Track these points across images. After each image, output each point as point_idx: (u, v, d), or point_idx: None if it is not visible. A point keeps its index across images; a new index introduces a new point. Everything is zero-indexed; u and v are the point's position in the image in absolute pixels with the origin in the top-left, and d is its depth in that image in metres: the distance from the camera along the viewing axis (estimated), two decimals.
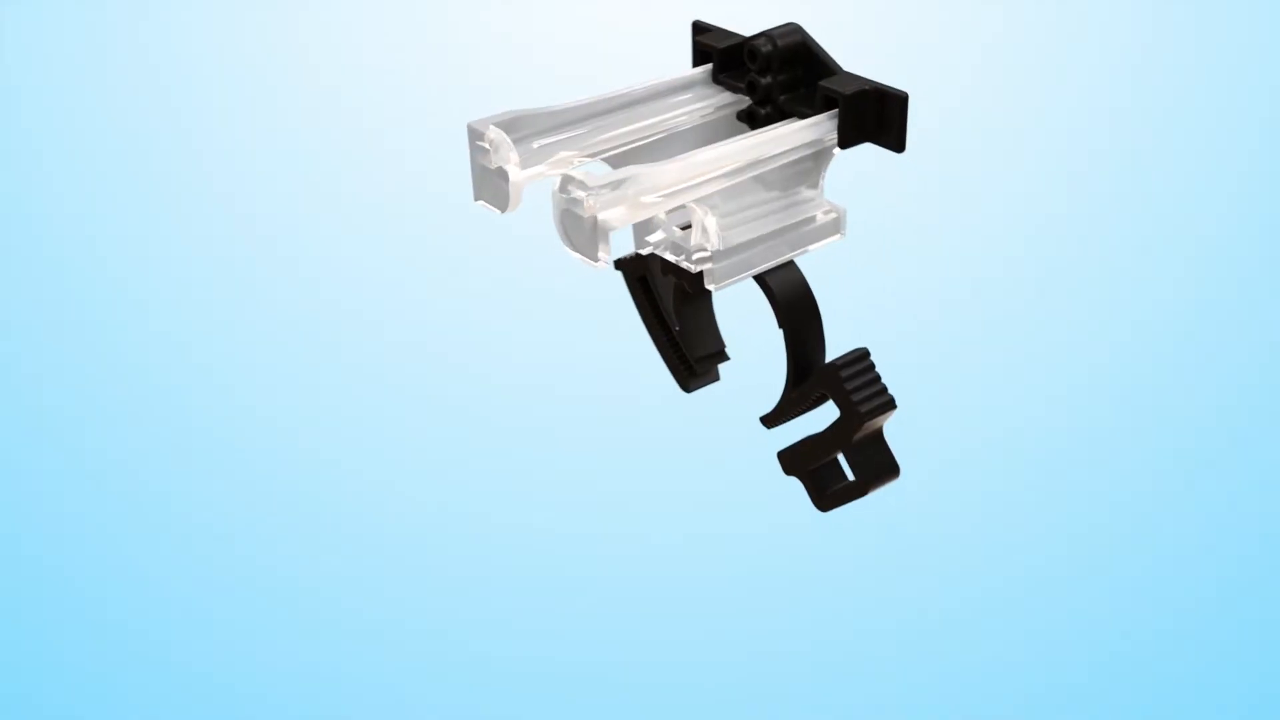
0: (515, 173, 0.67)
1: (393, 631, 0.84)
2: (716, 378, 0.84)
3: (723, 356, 0.81)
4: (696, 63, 0.76)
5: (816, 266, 0.72)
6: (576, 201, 0.64)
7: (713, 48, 0.74)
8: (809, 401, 0.73)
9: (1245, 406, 0.93)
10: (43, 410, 0.96)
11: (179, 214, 1.05)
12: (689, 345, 0.80)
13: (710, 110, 0.74)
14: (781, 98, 0.72)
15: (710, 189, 0.67)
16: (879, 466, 0.72)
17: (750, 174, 0.68)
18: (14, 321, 1.00)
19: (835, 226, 0.71)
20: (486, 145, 0.67)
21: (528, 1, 1.10)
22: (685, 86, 0.74)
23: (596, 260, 0.65)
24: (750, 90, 0.73)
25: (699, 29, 0.76)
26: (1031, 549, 0.86)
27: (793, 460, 0.75)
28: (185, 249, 1.03)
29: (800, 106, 0.72)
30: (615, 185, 0.64)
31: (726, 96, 0.74)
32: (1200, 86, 1.03)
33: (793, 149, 0.69)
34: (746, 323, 0.81)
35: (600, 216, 0.63)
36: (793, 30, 0.71)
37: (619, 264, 0.80)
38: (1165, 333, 0.95)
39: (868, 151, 0.72)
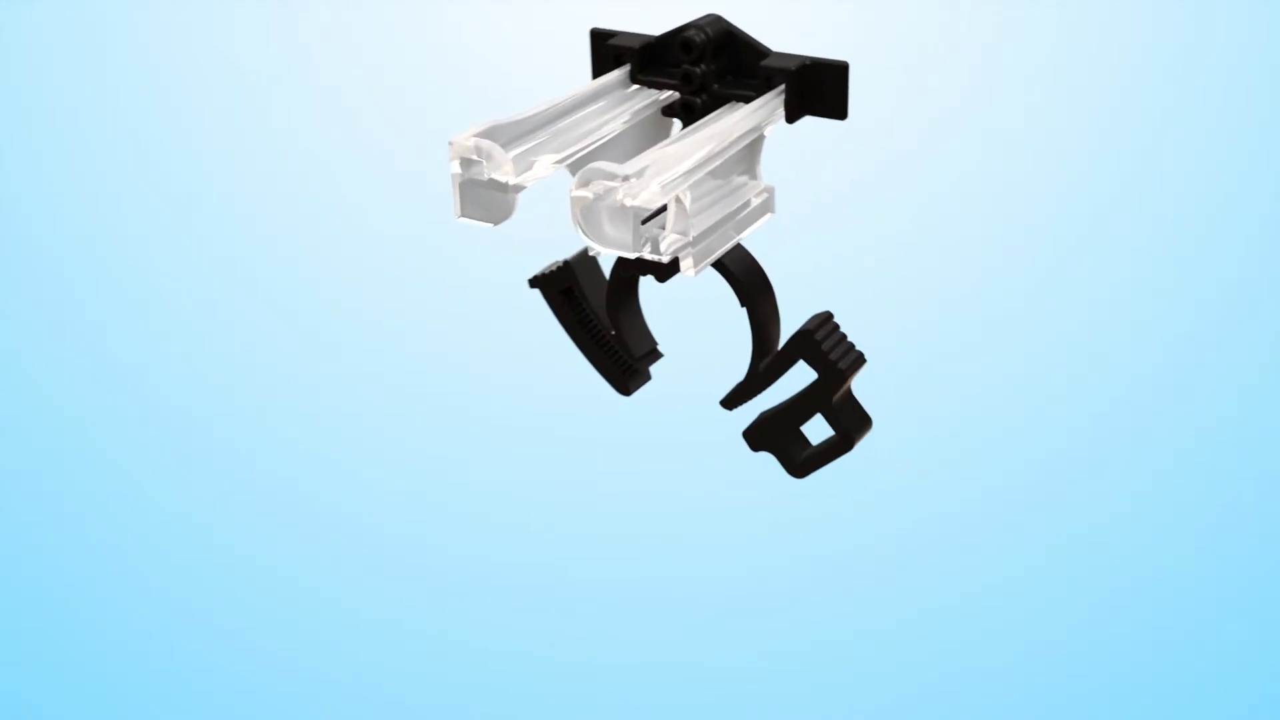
0: (514, 180, 0.67)
1: (392, 631, 0.84)
2: (649, 377, 0.84)
3: (657, 354, 0.82)
4: (601, 68, 0.76)
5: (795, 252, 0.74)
6: (607, 193, 0.64)
7: (629, 49, 0.75)
8: (776, 375, 0.74)
9: (1240, 403, 0.93)
10: (42, 410, 0.96)
11: (179, 214, 1.05)
12: (629, 346, 0.80)
13: (638, 111, 0.74)
14: (715, 85, 0.73)
15: (701, 173, 0.68)
16: (856, 420, 0.74)
17: (729, 155, 0.69)
18: (14, 321, 1.00)
19: (768, 205, 0.73)
20: (478, 158, 0.67)
21: (526, 1, 1.10)
22: (608, 90, 0.74)
23: (633, 251, 0.65)
24: (684, 82, 0.74)
25: (601, 35, 0.76)
26: (1028, 549, 0.86)
27: (763, 435, 0.76)
28: (185, 249, 1.03)
29: (736, 91, 0.73)
30: (640, 173, 0.64)
31: (649, 95, 0.75)
32: (1199, 86, 1.03)
33: (756, 127, 0.71)
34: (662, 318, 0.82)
35: (631, 204, 0.64)
36: (716, 19, 0.73)
37: (536, 282, 0.80)
38: (1161, 331, 0.95)
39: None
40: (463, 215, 0.69)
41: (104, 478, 0.92)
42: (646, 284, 0.76)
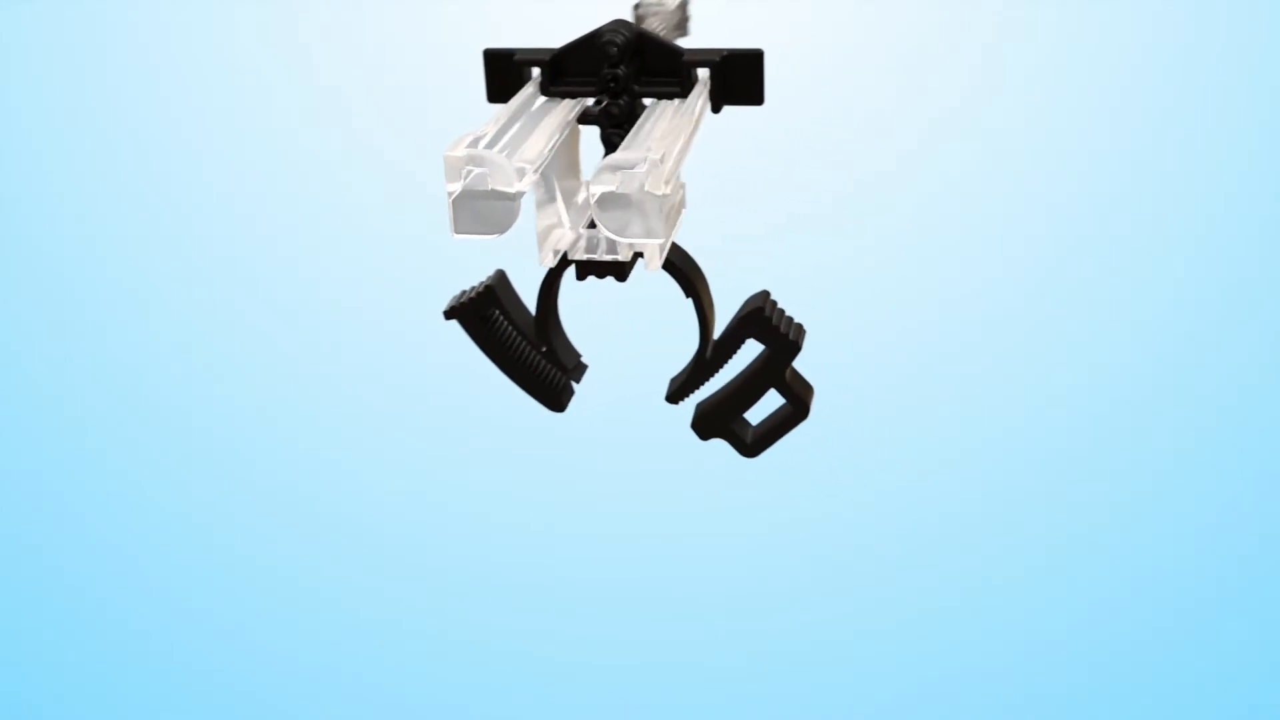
0: (518, 187, 0.67)
1: (392, 631, 0.84)
2: (573, 391, 0.83)
3: (584, 366, 0.81)
4: (500, 88, 0.77)
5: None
6: (630, 181, 0.64)
7: (539, 62, 0.75)
8: (723, 361, 0.75)
9: (1240, 403, 0.93)
10: (42, 410, 0.96)
11: (179, 214, 1.05)
12: (561, 360, 0.79)
13: (568, 121, 0.74)
14: (635, 88, 0.74)
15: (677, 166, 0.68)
16: (804, 388, 0.75)
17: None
18: (14, 321, 1.00)
19: (684, 200, 0.73)
20: (481, 169, 0.67)
21: (527, 2, 1.10)
22: (528, 104, 0.74)
23: (664, 237, 0.65)
24: (605, 86, 0.74)
25: (497, 56, 0.77)
26: (1028, 549, 0.86)
27: (711, 423, 0.77)
28: (186, 249, 1.03)
29: (655, 90, 0.74)
30: (658, 162, 0.65)
31: (569, 105, 0.75)
32: (1199, 87, 1.03)
33: (698, 120, 0.72)
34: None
35: (662, 193, 0.64)
36: (624, 22, 0.74)
37: (455, 313, 0.78)
38: (1161, 332, 0.95)
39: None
40: (458, 232, 0.68)
41: (104, 478, 0.92)
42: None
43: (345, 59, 1.08)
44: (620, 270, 0.72)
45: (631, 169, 0.64)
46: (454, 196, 0.67)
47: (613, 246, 0.70)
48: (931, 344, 0.92)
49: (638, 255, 0.71)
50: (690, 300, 0.74)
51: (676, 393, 0.76)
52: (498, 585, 0.85)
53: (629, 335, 0.81)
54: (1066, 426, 0.91)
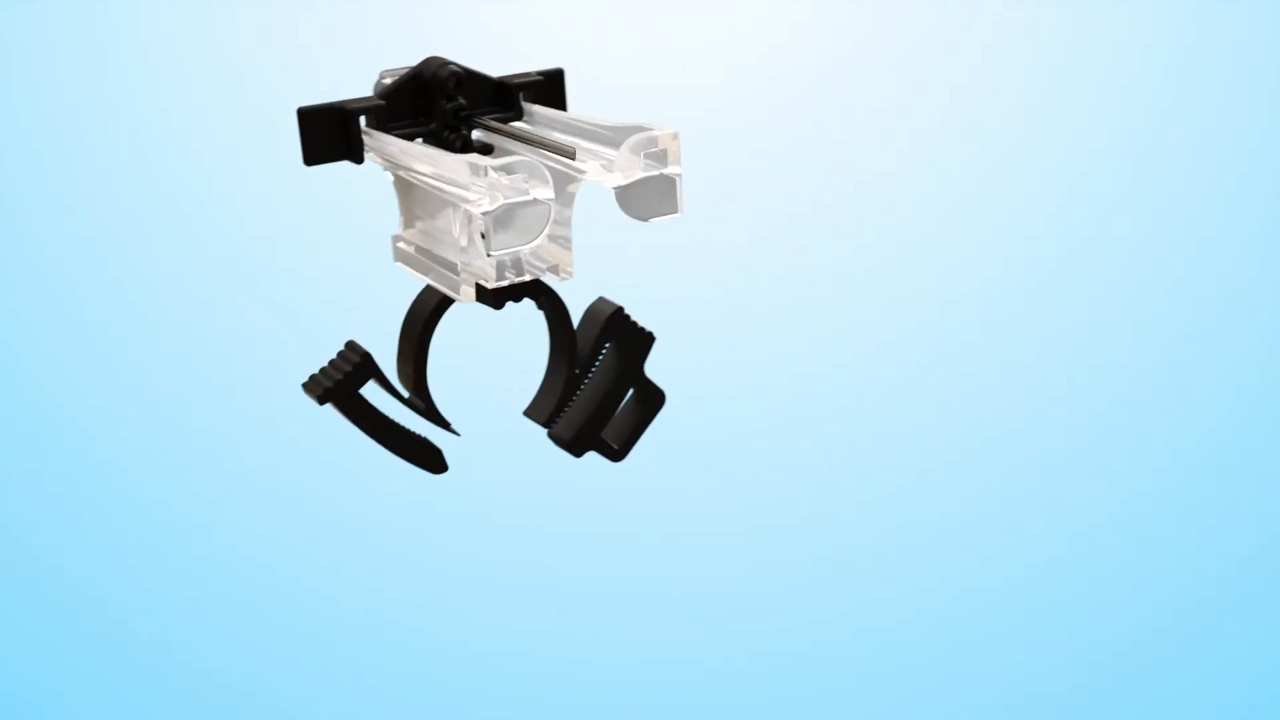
0: (550, 193, 0.67)
1: (392, 631, 0.84)
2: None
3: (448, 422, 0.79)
4: (320, 141, 0.77)
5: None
6: (659, 164, 0.66)
7: (369, 109, 0.75)
8: (588, 370, 0.75)
9: (1240, 404, 0.93)
10: (42, 410, 0.96)
11: (179, 214, 1.05)
12: (439, 414, 0.77)
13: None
14: (470, 118, 0.75)
15: None
16: (647, 379, 0.76)
17: None
18: (14, 321, 1.00)
19: None
20: (516, 174, 0.67)
21: (527, 4, 1.10)
22: (391, 143, 0.74)
23: (679, 211, 0.66)
24: (448, 119, 0.74)
25: (312, 112, 0.77)
26: (1028, 549, 0.86)
27: (587, 437, 0.76)
28: (185, 249, 1.03)
29: (487, 117, 0.75)
30: (674, 136, 0.66)
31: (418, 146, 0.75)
32: (1199, 88, 1.03)
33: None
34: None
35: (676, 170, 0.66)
36: (442, 58, 0.74)
37: (328, 397, 0.74)
38: (1161, 333, 0.95)
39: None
40: (494, 251, 0.67)
41: (104, 478, 0.92)
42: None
43: (345, 59, 1.08)
44: (534, 290, 0.72)
45: (650, 152, 0.65)
46: (495, 213, 0.66)
47: (519, 267, 0.70)
48: (931, 344, 0.92)
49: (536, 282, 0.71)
50: (543, 314, 0.73)
51: (551, 416, 0.76)
52: (498, 585, 0.86)
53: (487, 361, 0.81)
54: (1066, 426, 0.91)
